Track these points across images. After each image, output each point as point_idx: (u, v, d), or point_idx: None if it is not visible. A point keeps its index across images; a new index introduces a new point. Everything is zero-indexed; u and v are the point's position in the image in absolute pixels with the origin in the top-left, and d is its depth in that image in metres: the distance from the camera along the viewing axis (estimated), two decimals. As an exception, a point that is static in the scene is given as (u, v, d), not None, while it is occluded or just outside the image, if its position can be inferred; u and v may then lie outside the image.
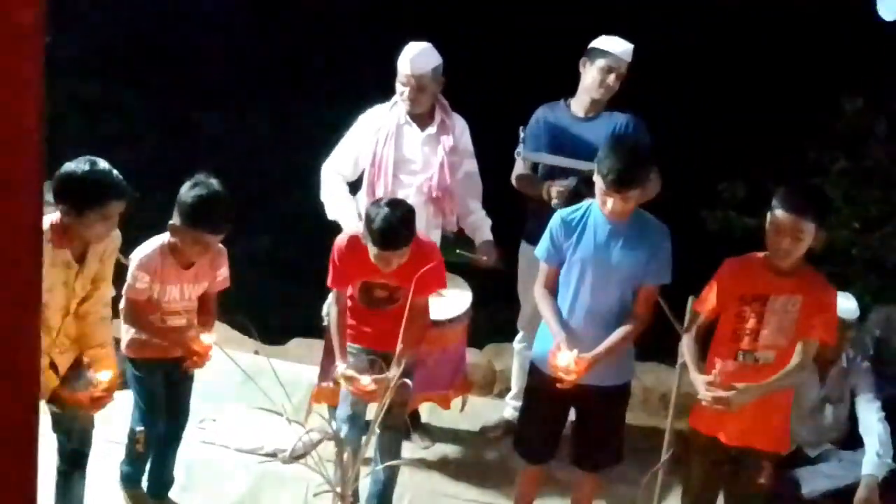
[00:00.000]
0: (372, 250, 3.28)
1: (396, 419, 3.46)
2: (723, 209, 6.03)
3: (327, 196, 3.93)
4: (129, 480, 3.59)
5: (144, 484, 3.62)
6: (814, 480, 3.99)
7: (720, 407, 3.00)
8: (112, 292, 3.24)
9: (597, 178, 3.05)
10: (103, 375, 3.07)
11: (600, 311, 3.16)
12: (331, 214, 3.91)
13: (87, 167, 2.88)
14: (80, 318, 3.13)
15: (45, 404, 3.17)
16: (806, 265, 3.08)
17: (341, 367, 3.35)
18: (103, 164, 2.92)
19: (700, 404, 3.19)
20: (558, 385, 3.11)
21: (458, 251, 3.95)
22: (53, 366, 3.04)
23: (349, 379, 3.30)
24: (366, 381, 3.26)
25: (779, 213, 2.96)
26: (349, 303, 3.54)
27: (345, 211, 3.85)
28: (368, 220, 3.27)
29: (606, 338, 3.13)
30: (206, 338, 3.32)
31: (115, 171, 2.92)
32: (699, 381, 3.07)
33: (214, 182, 3.21)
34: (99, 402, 3.09)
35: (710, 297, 3.18)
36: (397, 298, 3.45)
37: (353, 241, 3.41)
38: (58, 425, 3.21)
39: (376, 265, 3.33)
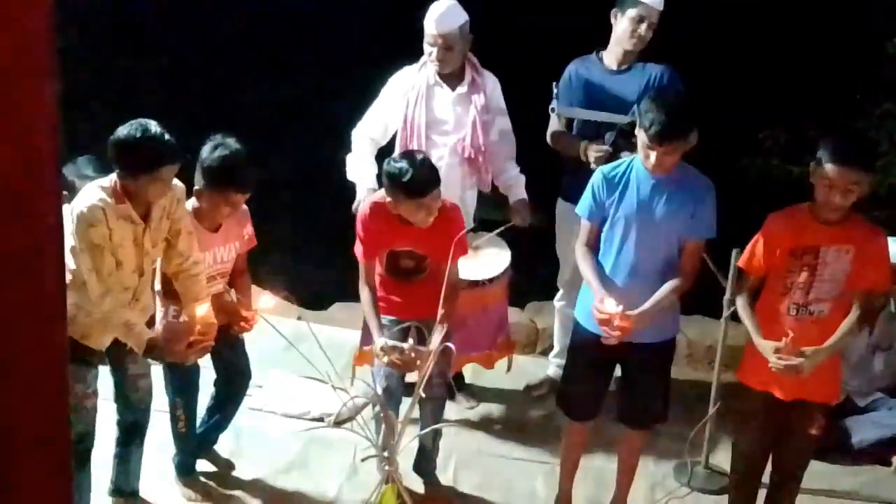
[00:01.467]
0: (409, 207, 3.23)
1: (437, 389, 3.47)
2: (764, 157, 5.92)
3: (351, 158, 3.93)
4: (184, 469, 3.62)
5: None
6: (864, 429, 3.95)
7: (792, 374, 2.94)
8: (197, 253, 3.18)
9: (639, 132, 2.97)
10: (201, 309, 3.09)
11: (645, 268, 3.10)
12: (350, 176, 3.92)
13: (138, 133, 2.84)
14: (174, 276, 3.17)
15: (109, 372, 3.22)
16: (853, 213, 3.00)
17: (380, 341, 3.24)
18: (155, 128, 2.86)
19: (749, 359, 3.14)
20: (603, 341, 3.09)
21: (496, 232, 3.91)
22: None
23: (392, 349, 3.20)
24: (406, 346, 3.18)
25: (829, 167, 2.86)
26: (377, 279, 3.47)
27: (364, 175, 3.85)
28: (395, 179, 3.20)
29: (652, 295, 3.08)
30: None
31: (167, 136, 2.87)
32: (766, 347, 2.99)
33: (233, 141, 3.21)
34: (197, 346, 3.11)
35: (756, 255, 3.10)
36: (424, 268, 3.42)
37: (376, 207, 3.36)
38: (118, 396, 3.26)
39: (409, 225, 3.29)
